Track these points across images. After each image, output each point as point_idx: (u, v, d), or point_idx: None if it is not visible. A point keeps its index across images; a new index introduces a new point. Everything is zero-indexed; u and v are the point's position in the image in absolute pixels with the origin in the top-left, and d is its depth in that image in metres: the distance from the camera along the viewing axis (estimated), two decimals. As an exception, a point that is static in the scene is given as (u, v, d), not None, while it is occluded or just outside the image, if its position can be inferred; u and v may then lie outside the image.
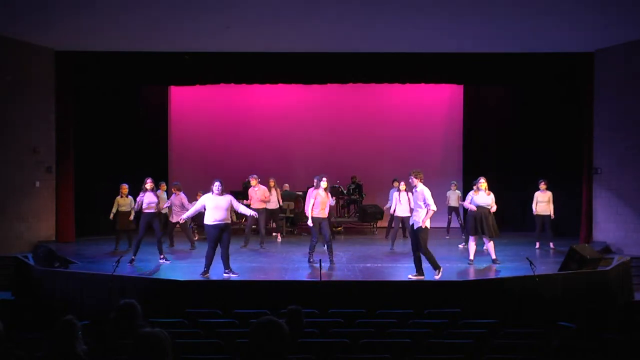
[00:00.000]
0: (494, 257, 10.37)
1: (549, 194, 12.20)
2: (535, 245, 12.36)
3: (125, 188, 11.91)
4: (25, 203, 12.47)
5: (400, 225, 12.49)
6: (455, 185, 14.31)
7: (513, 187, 15.85)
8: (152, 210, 10.54)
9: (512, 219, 15.88)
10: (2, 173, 12.09)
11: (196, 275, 9.63)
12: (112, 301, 7.85)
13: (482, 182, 10.43)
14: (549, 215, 12.14)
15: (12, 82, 12.27)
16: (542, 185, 12.23)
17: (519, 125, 15.61)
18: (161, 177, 16.34)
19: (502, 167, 16.02)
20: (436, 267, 8.92)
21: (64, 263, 9.90)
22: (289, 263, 10.48)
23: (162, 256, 10.57)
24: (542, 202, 12.16)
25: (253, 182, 12.28)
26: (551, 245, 12.19)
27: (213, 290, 8.59)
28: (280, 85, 15.06)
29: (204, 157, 16.55)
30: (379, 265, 10.31)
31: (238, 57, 13.16)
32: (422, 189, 8.87)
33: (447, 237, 14.17)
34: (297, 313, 5.65)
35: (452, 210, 14.19)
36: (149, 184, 10.67)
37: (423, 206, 8.77)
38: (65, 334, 3.91)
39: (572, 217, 13.39)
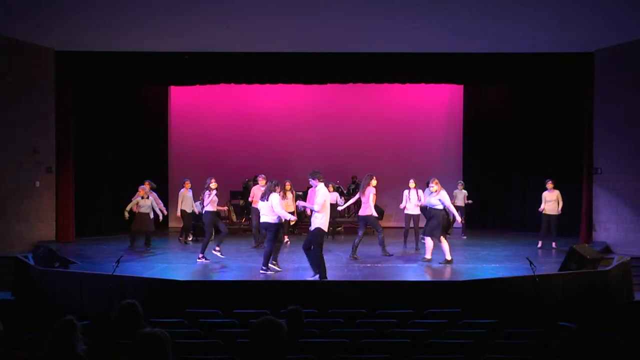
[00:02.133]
0: (428, 256, 10.37)
1: (556, 192, 12.21)
2: (537, 244, 12.34)
3: (142, 190, 11.93)
4: (25, 203, 12.47)
5: (412, 225, 12.41)
6: (462, 184, 14.28)
7: (513, 187, 15.88)
8: (215, 209, 10.90)
9: (512, 219, 15.91)
10: (2, 173, 12.09)
11: (196, 275, 9.65)
12: (112, 301, 7.87)
13: (432, 186, 10.38)
14: (556, 215, 12.15)
15: (12, 82, 12.27)
16: (549, 185, 12.24)
17: (519, 125, 15.62)
18: (161, 176, 16.39)
19: (502, 167, 16.04)
20: (324, 272, 8.85)
21: (64, 263, 9.89)
22: (289, 263, 10.48)
23: (217, 248, 10.67)
24: (550, 202, 12.17)
25: (262, 181, 12.09)
26: (553, 244, 12.20)
27: (213, 290, 8.58)
28: (280, 85, 15.06)
29: (203, 157, 16.55)
30: (379, 265, 10.31)
31: (238, 57, 13.16)
32: (319, 188, 8.85)
33: (447, 236, 14.15)
34: (297, 313, 5.65)
35: (457, 209, 14.07)
36: (213, 184, 10.84)
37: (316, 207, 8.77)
38: (65, 334, 3.90)
39: (572, 217, 13.39)
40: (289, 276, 9.45)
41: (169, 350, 2.99)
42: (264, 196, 9.42)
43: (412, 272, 9.87)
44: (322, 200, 8.70)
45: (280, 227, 9.55)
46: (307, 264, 9.83)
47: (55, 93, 13.05)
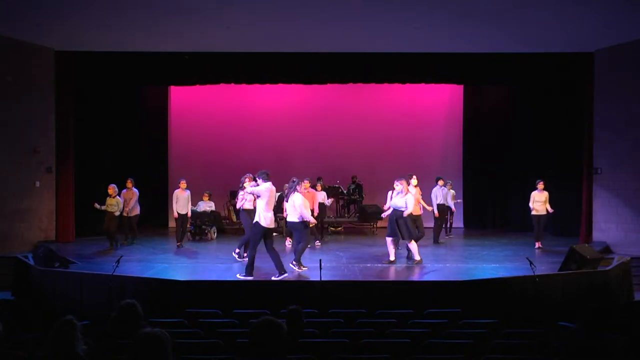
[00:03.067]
0: (417, 258, 10.17)
1: (545, 194, 12.22)
2: (535, 245, 12.34)
3: (111, 189, 11.93)
4: (25, 203, 12.46)
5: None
6: (451, 184, 14.21)
7: (513, 187, 15.88)
8: (250, 207, 10.82)
9: (512, 219, 15.91)
10: (2, 173, 12.09)
11: (196, 275, 9.65)
12: (112, 301, 7.87)
13: (397, 185, 10.15)
14: (545, 215, 12.17)
15: (12, 82, 12.27)
16: (540, 185, 12.25)
17: (519, 125, 15.62)
18: (161, 176, 16.42)
19: (502, 167, 16.04)
20: (250, 270, 8.95)
21: (64, 263, 9.89)
22: (289, 263, 10.46)
23: (245, 254, 10.59)
24: (539, 202, 12.18)
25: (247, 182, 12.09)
26: (538, 244, 12.19)
27: (213, 290, 8.58)
28: (280, 85, 15.05)
29: (203, 157, 16.55)
30: (379, 265, 10.31)
31: (238, 57, 13.16)
32: (262, 185, 8.99)
33: (447, 236, 14.17)
34: (297, 313, 5.65)
35: (446, 209, 14.05)
36: (247, 183, 10.83)
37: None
38: (65, 334, 3.90)
39: (572, 217, 13.39)
40: (289, 276, 9.44)
41: (169, 350, 2.99)
42: (287, 196, 9.66)
43: (412, 272, 9.87)
44: (257, 190, 8.94)
45: (307, 224, 9.64)
46: (308, 264, 9.86)
47: (55, 93, 13.04)
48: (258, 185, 9.08)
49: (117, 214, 12.12)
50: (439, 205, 13.16)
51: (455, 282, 8.89)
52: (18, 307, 8.19)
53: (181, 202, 12.49)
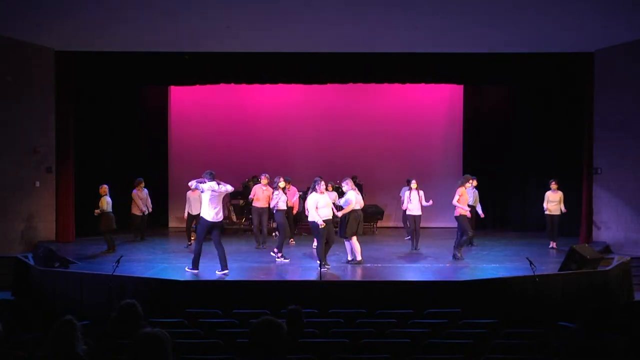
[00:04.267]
0: (359, 258, 10.32)
1: (559, 193, 12.19)
2: (549, 244, 12.27)
3: (104, 189, 11.79)
4: (25, 203, 12.46)
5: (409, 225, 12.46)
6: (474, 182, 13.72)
7: (513, 187, 15.87)
8: (285, 208, 11.24)
9: (512, 219, 15.90)
10: (2, 173, 12.08)
11: (196, 275, 9.64)
12: (112, 301, 7.87)
13: (342, 185, 10.46)
14: (558, 215, 12.14)
15: (12, 82, 12.26)
16: (553, 185, 12.22)
17: (519, 125, 15.62)
18: (161, 176, 16.41)
19: (502, 167, 16.03)
20: (196, 264, 9.23)
21: (64, 263, 9.90)
22: (289, 263, 10.48)
23: (280, 254, 10.70)
24: (553, 202, 12.15)
25: (264, 180, 12.06)
26: (554, 245, 12.18)
27: (213, 290, 8.59)
28: (280, 85, 15.05)
29: (203, 157, 16.50)
30: (379, 265, 10.31)
31: (238, 57, 13.15)
32: (206, 183, 9.16)
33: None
34: (297, 313, 5.65)
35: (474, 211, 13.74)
36: (282, 183, 11.06)
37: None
38: (65, 334, 3.90)
39: (572, 217, 13.38)
40: (289, 276, 9.45)
41: (169, 350, 2.99)
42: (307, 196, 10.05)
43: (412, 272, 9.88)
44: (201, 186, 9.10)
45: (319, 225, 9.69)
46: (308, 264, 9.87)
47: (55, 93, 13.03)
48: (205, 183, 9.17)
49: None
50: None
51: (455, 282, 8.90)
52: (18, 307, 8.20)
53: (192, 203, 12.50)
